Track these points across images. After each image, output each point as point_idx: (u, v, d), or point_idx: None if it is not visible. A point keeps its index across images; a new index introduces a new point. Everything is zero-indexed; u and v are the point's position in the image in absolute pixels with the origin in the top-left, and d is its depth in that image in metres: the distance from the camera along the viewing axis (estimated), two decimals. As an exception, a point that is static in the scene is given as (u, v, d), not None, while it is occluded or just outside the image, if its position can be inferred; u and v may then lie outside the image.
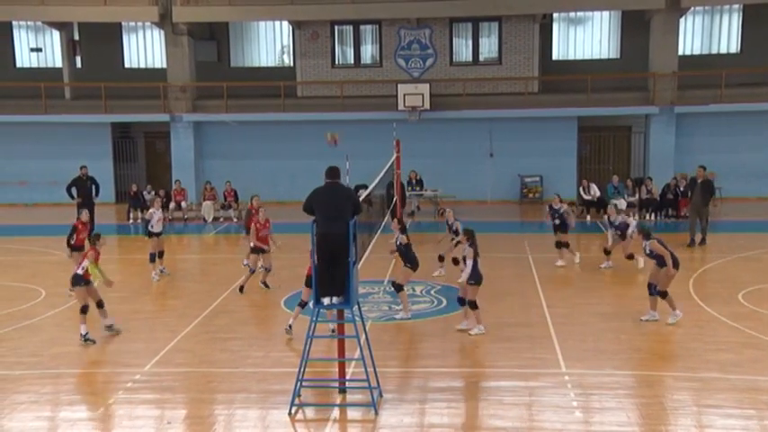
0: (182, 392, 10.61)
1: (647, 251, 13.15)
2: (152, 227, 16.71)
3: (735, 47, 28.10)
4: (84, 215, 15.67)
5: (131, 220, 24.83)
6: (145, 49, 30.68)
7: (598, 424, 9.32)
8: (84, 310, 12.41)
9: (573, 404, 9.84)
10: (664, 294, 12.83)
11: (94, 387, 10.67)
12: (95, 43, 30.06)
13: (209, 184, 25.37)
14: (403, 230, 13.82)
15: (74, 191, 21.72)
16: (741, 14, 27.76)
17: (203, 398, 10.38)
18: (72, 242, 15.26)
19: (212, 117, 27.59)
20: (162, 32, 28.03)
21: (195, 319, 13.83)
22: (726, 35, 28.23)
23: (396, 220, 14.39)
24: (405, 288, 13.73)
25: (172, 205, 25.13)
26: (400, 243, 13.76)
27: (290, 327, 12.59)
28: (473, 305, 12.53)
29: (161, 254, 16.98)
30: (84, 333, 12.38)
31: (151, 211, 16.98)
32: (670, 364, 11.29)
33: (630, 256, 16.37)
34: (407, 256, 13.68)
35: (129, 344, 12.53)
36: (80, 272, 12.49)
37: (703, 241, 19.20)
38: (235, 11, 27.12)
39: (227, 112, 27.25)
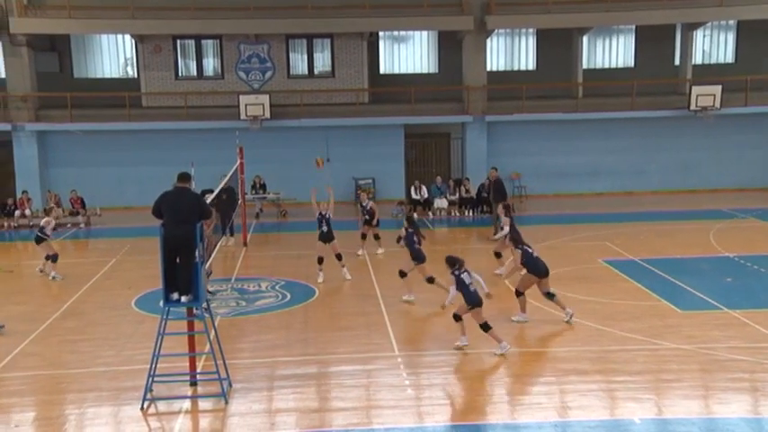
0: (29, 395, 9.89)
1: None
2: (48, 233, 16.66)
3: (532, 64, 29.85)
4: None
5: (-28, 231, 22.92)
6: (-19, 58, 28.16)
7: (427, 399, 9.62)
8: None
9: (405, 383, 10.10)
10: (518, 293, 12.73)
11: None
12: (-74, 51, 27.25)
13: (49, 192, 24.01)
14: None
15: None
16: (536, 37, 29.56)
17: (53, 399, 9.72)
18: None
19: (56, 127, 25.81)
20: (-1, 43, 25.89)
21: (44, 323, 12.93)
22: (524, 54, 29.96)
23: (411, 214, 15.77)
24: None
25: (17, 213, 23.52)
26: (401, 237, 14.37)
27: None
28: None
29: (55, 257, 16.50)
30: None
31: (47, 219, 17.06)
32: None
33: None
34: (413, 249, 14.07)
35: (-27, 352, 11.51)
36: None
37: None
38: (75, 23, 25.46)
39: (72, 122, 25.58)
